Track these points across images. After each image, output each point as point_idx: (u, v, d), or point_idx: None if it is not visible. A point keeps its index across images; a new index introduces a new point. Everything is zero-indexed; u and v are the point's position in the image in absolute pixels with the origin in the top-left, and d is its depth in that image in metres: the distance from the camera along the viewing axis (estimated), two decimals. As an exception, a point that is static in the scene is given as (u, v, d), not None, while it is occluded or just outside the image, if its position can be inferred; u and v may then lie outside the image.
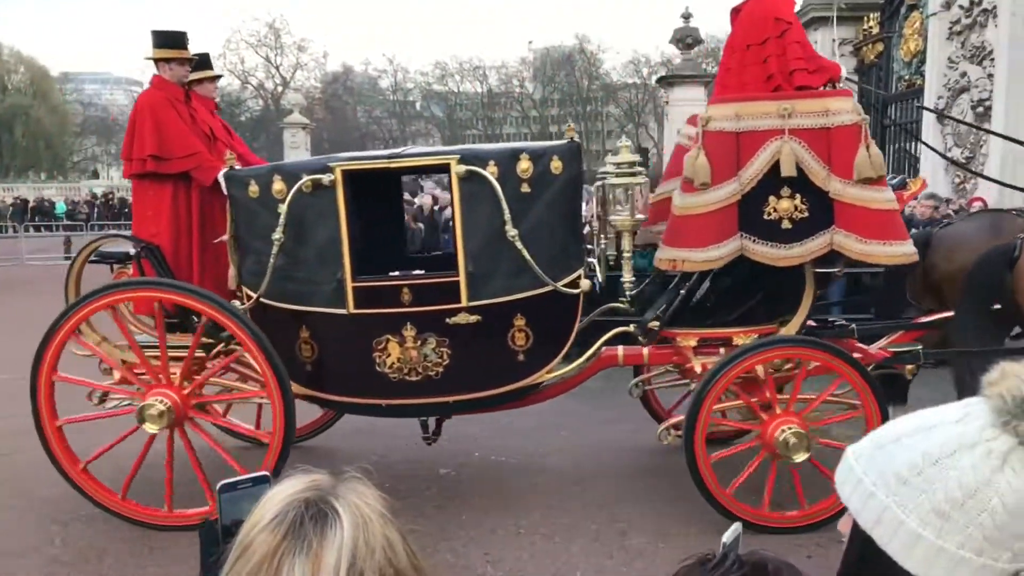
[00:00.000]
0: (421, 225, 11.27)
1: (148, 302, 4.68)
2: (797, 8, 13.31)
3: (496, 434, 6.15)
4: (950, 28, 9.14)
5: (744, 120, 4.24)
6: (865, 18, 12.43)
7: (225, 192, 4.70)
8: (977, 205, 8.02)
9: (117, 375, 4.89)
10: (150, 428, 4.58)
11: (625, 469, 5.49)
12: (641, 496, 4.99)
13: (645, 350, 4.79)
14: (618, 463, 5.60)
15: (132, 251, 5.00)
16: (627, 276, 4.61)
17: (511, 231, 4.25)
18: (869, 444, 1.07)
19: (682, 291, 4.74)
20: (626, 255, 4.59)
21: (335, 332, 4.51)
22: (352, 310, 4.39)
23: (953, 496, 0.95)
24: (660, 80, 24.08)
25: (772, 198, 4.25)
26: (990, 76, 8.43)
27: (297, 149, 36.40)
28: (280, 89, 51.73)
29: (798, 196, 4.24)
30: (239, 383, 5.10)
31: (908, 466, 0.99)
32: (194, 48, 5.34)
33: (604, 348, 4.71)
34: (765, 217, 4.28)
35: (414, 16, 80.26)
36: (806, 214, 4.24)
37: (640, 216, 4.69)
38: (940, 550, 0.96)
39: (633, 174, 4.56)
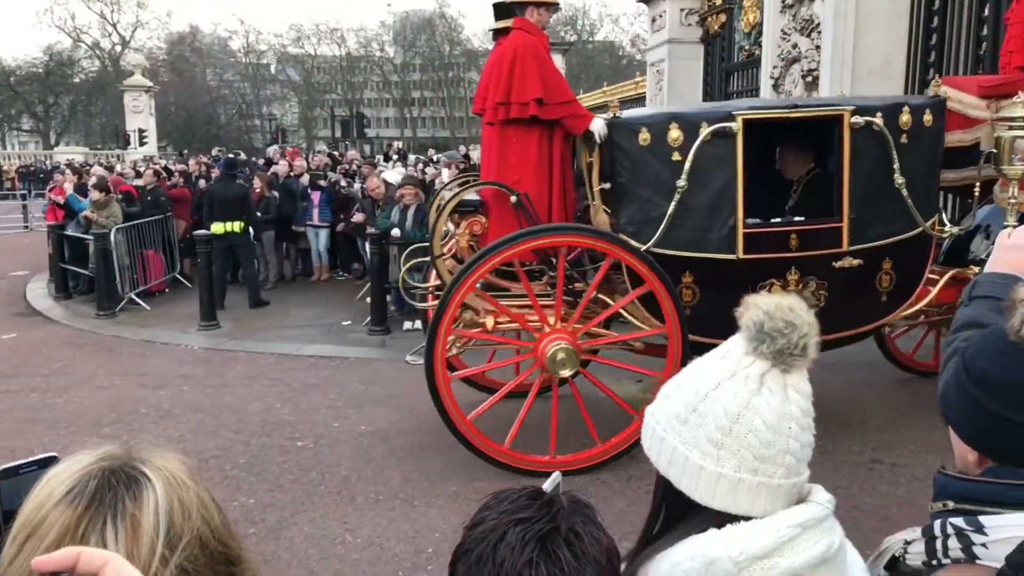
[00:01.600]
0: (276, 193, 10.87)
1: (528, 251, 4.70)
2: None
3: (352, 402, 6.09)
4: (783, 2, 9.69)
5: None
6: (709, -11, 12.98)
7: (598, 140, 4.72)
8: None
9: (490, 323, 4.83)
10: (565, 372, 4.62)
11: (482, 429, 5.56)
12: (499, 455, 5.10)
13: (934, 289, 5.24)
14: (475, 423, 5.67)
15: (513, 200, 4.90)
16: (1011, 220, 4.83)
17: (899, 179, 4.69)
18: (660, 396, 1.15)
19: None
20: (1012, 203, 4.72)
21: (720, 277, 4.67)
22: (742, 255, 4.61)
23: (721, 424, 1.04)
24: (519, 46, 24.19)
25: None
26: (817, 47, 9.02)
27: (140, 113, 34.04)
28: (119, 49, 48.03)
29: None
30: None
31: (684, 406, 1.08)
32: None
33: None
34: None
35: (266, -26, 76.24)
36: None
37: None
38: (720, 476, 1.04)
39: None
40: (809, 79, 9.20)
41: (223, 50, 54.69)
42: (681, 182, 4.56)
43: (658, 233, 4.63)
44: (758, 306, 1.06)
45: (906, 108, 4.77)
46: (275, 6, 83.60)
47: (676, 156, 4.57)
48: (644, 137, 4.60)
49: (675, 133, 4.57)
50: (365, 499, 4.58)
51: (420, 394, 6.21)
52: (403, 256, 6.50)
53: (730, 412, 1.04)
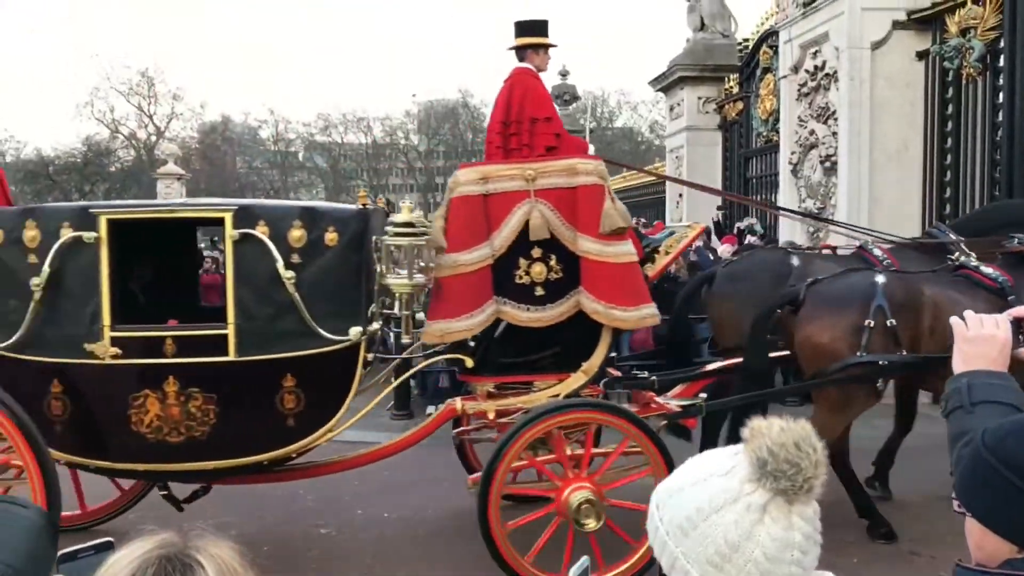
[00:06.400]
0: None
1: None
2: (664, 68, 14.13)
3: (376, 490, 6.03)
4: (799, 90, 9.94)
5: None
6: (726, 78, 13.35)
7: None
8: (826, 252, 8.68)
9: None
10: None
11: (505, 519, 5.48)
12: (522, 545, 5.00)
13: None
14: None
15: None
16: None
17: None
18: (664, 492, 1.16)
19: None
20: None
21: None
22: None
23: (722, 551, 1.05)
24: (541, 134, 24.80)
25: None
26: (834, 134, 9.21)
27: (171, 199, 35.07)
28: (153, 139, 49.83)
29: None
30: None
31: (687, 519, 1.09)
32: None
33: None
34: None
35: (295, 67, 79.70)
36: None
37: None
38: None
39: None
40: (828, 164, 9.35)
41: (253, 139, 56.49)
42: None
43: None
44: (763, 437, 1.06)
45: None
46: (304, 96, 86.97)
47: None
48: None
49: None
50: (390, 588, 4.50)
51: (446, 480, 6.16)
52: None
53: (731, 541, 1.04)
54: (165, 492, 4.55)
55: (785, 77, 10.30)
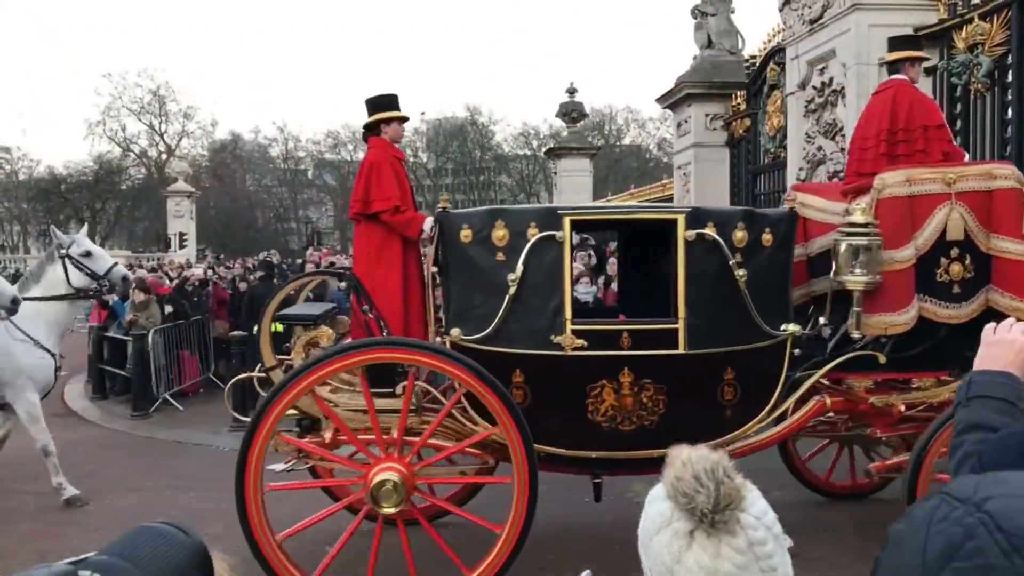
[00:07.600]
0: (311, 294, 11.06)
1: None
2: (672, 85, 14.17)
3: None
4: (806, 106, 9.94)
5: None
6: (733, 95, 13.37)
7: None
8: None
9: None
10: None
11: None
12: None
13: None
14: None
15: None
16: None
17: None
18: (648, 499, 1.17)
19: None
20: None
21: None
22: None
23: (661, 572, 1.07)
24: (549, 152, 24.94)
25: None
26: (842, 150, 9.17)
27: (181, 217, 35.30)
28: (164, 157, 50.21)
29: None
30: None
31: (644, 534, 1.12)
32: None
33: None
34: None
35: (305, 85, 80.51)
36: None
37: None
38: None
39: None
40: (836, 180, 9.32)
41: (263, 156, 56.87)
42: None
43: None
44: (674, 468, 1.08)
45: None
46: (314, 114, 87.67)
47: None
48: None
49: None
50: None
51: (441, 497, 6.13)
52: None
53: (665, 564, 1.06)
54: (598, 480, 4.63)
55: (792, 94, 10.30)
